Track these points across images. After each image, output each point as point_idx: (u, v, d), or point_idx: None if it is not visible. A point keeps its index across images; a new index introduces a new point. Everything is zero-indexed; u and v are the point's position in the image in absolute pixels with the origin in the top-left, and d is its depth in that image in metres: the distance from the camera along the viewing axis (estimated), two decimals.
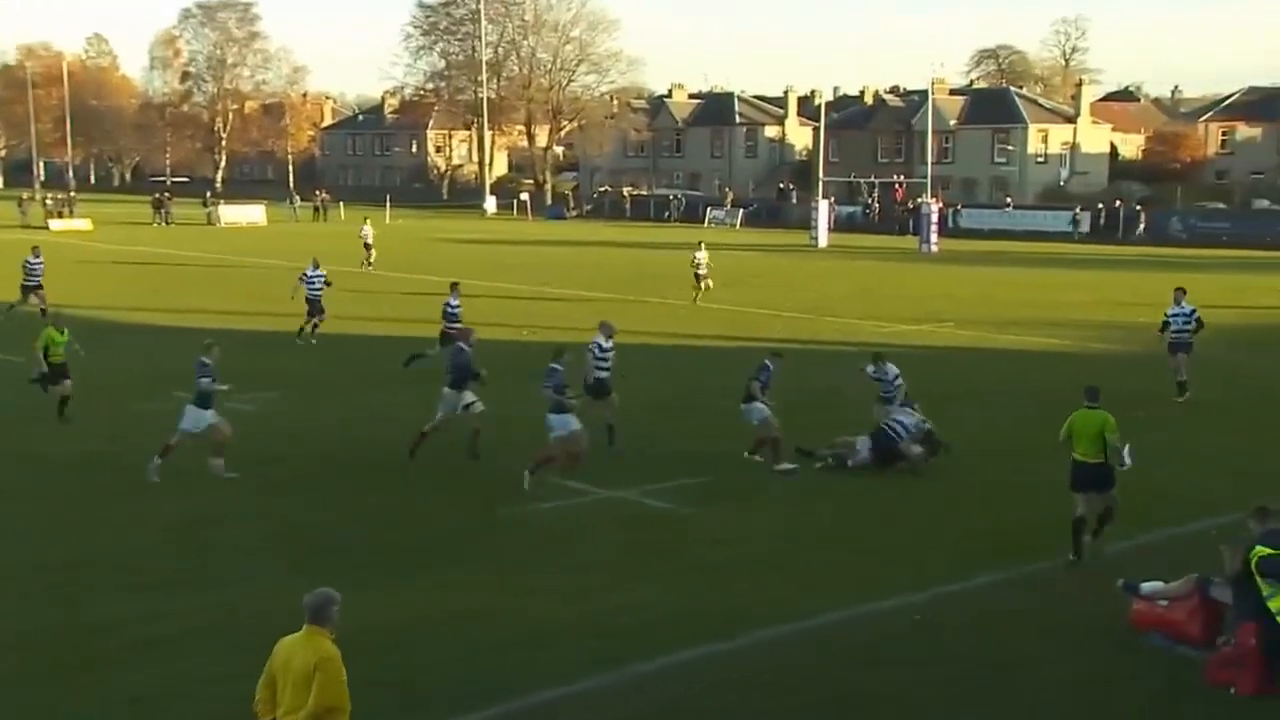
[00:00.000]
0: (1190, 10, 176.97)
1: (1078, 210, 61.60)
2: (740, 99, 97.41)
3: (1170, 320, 20.08)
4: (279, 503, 14.20)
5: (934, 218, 53.79)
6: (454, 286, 22.92)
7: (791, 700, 9.10)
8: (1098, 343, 26.29)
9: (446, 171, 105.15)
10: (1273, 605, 9.10)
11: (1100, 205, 62.77)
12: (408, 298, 33.19)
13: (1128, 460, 11.81)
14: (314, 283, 26.06)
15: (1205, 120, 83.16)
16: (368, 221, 43.82)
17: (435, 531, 13.16)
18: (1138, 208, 61.49)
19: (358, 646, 10.01)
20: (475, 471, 15.49)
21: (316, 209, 76.34)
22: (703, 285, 32.59)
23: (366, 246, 42.06)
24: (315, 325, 25.89)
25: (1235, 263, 45.39)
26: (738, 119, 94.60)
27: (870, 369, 16.66)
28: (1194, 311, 20.08)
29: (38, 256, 29.23)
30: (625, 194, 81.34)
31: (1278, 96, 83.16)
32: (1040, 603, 11.15)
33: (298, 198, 79.39)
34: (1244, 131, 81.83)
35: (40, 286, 28.98)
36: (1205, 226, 58.52)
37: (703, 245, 33.66)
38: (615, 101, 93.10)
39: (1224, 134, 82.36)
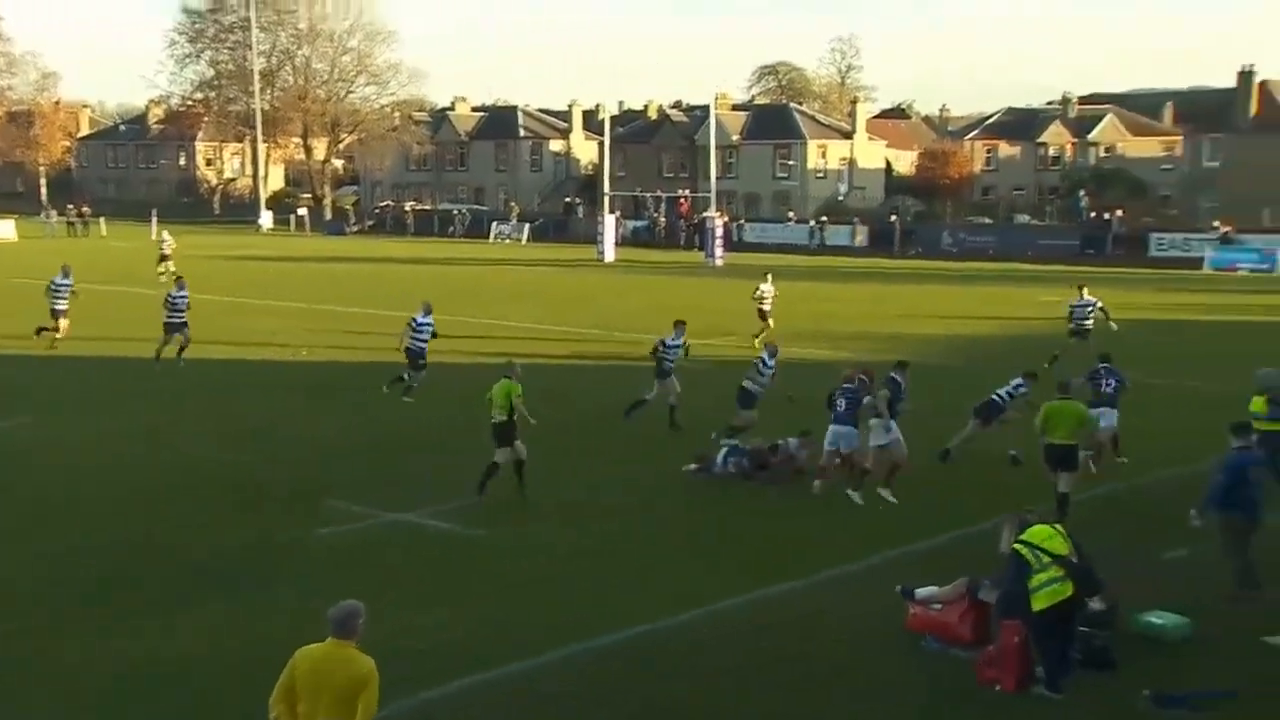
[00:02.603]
0: (955, 34, 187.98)
1: (813, 223, 64.85)
2: (524, 112, 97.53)
3: (1074, 310, 22.58)
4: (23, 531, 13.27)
5: (719, 232, 55.11)
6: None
7: (591, 716, 9.09)
8: (878, 354, 27.39)
9: (218, 185, 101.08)
10: (1033, 582, 9.56)
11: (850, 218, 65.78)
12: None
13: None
14: (60, 291, 25.94)
15: (971, 138, 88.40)
16: (165, 231, 43.97)
17: (212, 559, 12.56)
18: (892, 218, 64.76)
19: (135, 681, 9.45)
20: (257, 497, 14.90)
21: (71, 224, 72.15)
22: (768, 322, 28.73)
23: (163, 257, 42.95)
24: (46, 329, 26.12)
25: (999, 275, 48.25)
26: (522, 133, 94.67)
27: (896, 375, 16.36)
28: (1096, 302, 22.67)
29: None
30: (408, 209, 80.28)
31: (1034, 117, 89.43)
32: (824, 610, 11.52)
33: (53, 212, 74.83)
34: (1005, 150, 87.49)
35: None
36: (973, 240, 62.05)
37: (769, 276, 29.81)
38: (396, 114, 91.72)
39: (988, 152, 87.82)
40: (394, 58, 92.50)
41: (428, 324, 21.66)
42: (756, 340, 27.28)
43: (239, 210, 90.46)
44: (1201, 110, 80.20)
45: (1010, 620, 9.71)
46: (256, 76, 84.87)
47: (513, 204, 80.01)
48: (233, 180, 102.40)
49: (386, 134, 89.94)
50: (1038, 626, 9.59)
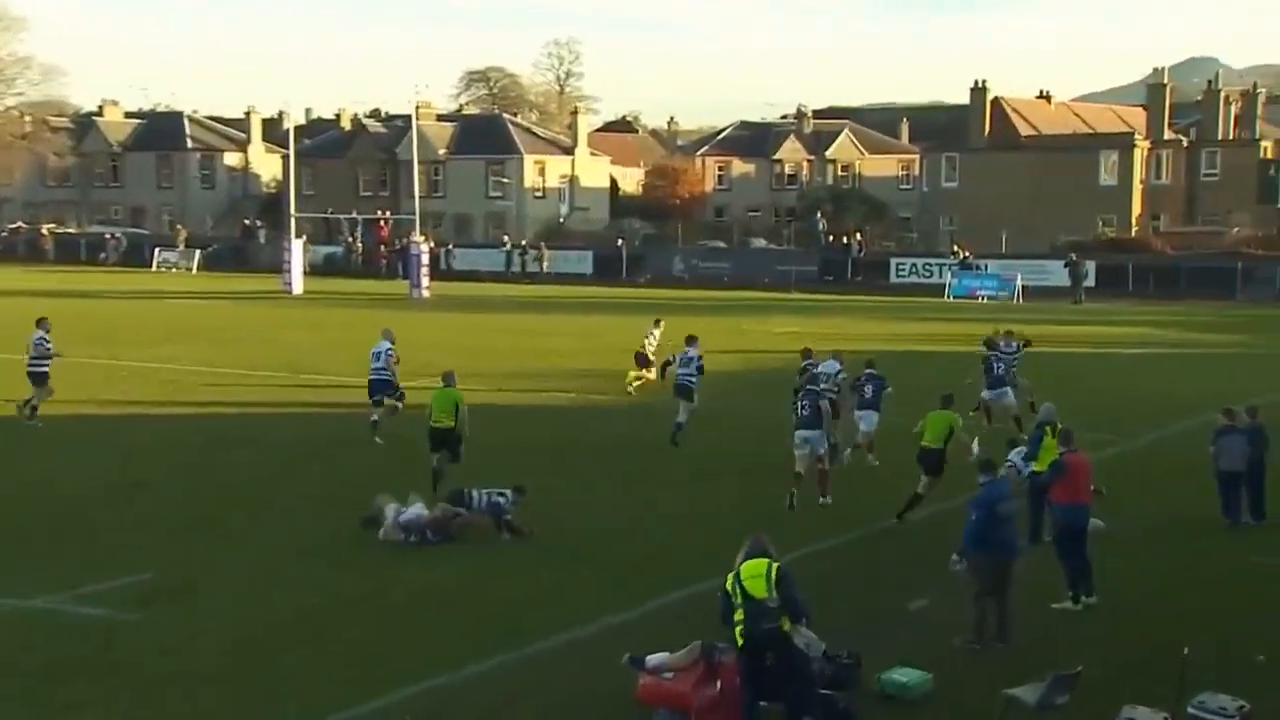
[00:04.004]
0: (680, 41, 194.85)
1: (509, 246, 66.08)
2: (192, 120, 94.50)
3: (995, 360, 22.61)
4: None
5: (424, 259, 54.82)
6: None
7: None
8: (599, 394, 27.86)
9: None
10: (734, 617, 10.20)
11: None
12: None
13: (976, 451, 16.08)
14: None
15: (702, 154, 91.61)
16: None
17: None
18: (619, 243, 66.39)
19: None
20: None
21: None
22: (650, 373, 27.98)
23: None
24: None
25: (735, 304, 50.13)
26: (190, 143, 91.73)
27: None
28: (1022, 346, 23.34)
29: None
30: (46, 232, 76.00)
31: (767, 132, 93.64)
32: (547, 682, 11.56)
33: None
34: (739, 167, 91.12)
35: None
36: (707, 266, 64.17)
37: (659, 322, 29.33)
38: (27, 119, 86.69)
39: (720, 169, 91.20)
40: (23, 50, 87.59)
41: (43, 341, 23.59)
42: (630, 388, 27.49)
43: None
44: (937, 128, 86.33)
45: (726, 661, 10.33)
46: None
47: (180, 227, 77.09)
48: None
49: (14, 142, 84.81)
50: (741, 667, 10.26)
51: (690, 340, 22.66)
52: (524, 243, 67.21)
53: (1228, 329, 41.27)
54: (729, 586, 10.30)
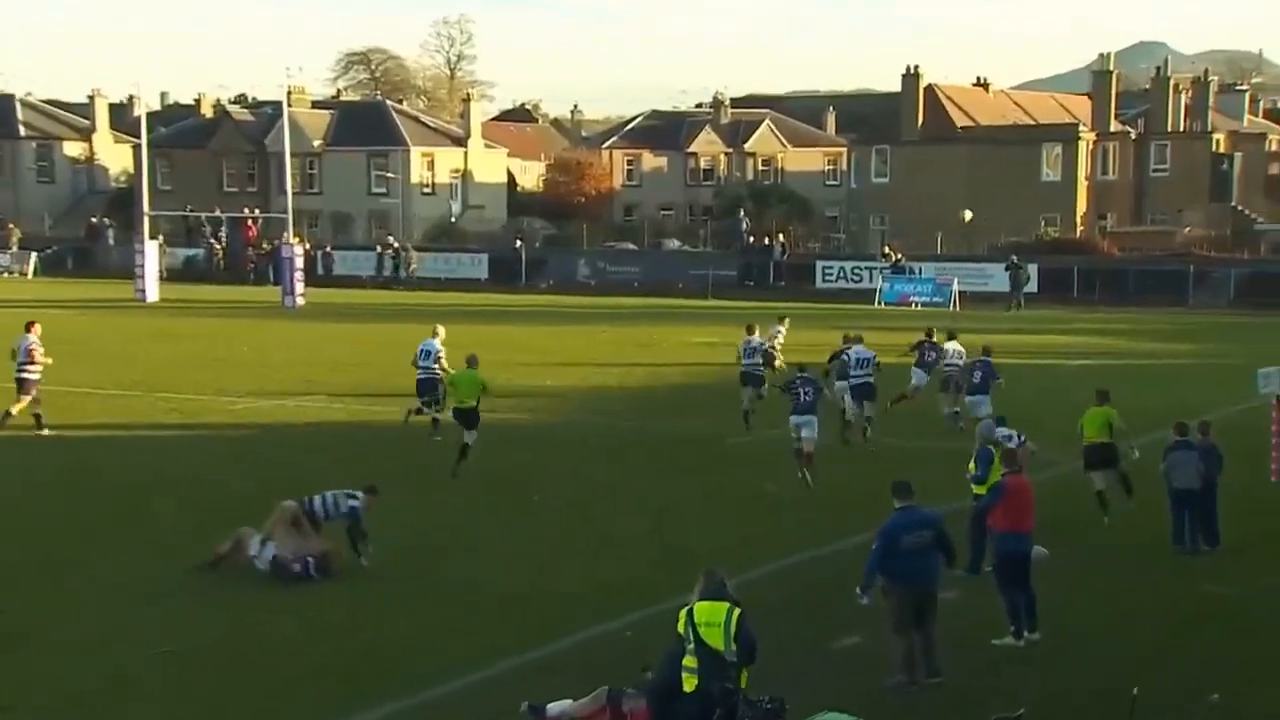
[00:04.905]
0: (585, 21, 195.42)
1: (379, 248, 66.03)
2: (25, 104, 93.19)
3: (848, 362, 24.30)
4: None
5: (298, 262, 54.34)
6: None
7: None
8: (511, 411, 27.83)
9: None
10: (684, 662, 10.18)
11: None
12: None
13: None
14: None
15: (609, 147, 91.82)
16: None
17: None
18: (518, 244, 66.27)
19: None
20: None
21: None
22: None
23: None
24: None
25: (647, 312, 50.29)
26: (22, 131, 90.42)
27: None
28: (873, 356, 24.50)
29: None
30: None
31: (681, 122, 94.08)
32: None
33: None
34: (650, 161, 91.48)
35: None
36: (616, 271, 64.39)
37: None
38: None
39: (629, 163, 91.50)
40: None
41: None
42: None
43: None
44: (866, 118, 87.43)
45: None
46: None
47: (12, 226, 75.52)
48: None
49: None
50: (653, 714, 10.25)
51: (749, 328, 26.25)
52: (394, 243, 66.78)
53: (1179, 337, 42.29)
54: (680, 628, 10.20)
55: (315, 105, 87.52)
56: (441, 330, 25.34)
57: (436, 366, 24.38)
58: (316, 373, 33.30)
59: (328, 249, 67.66)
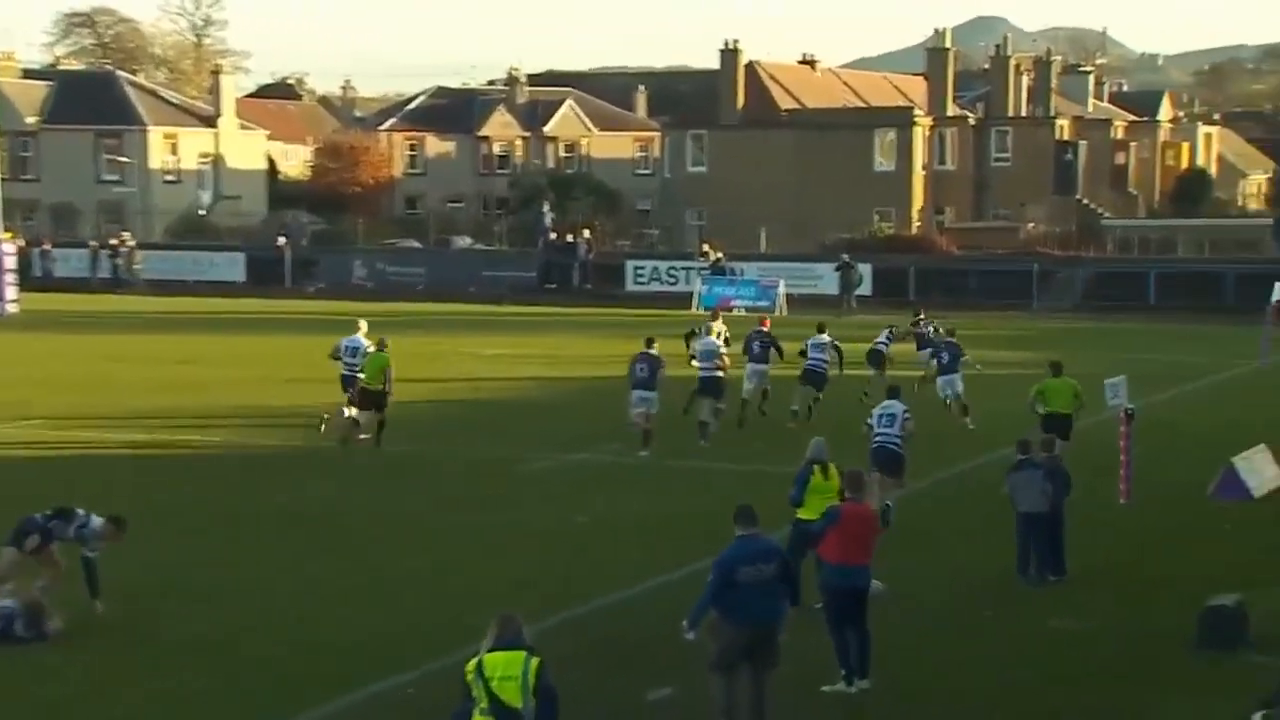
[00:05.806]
0: None
1: (97, 247, 65.05)
2: None
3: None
4: None
5: (10, 262, 52.98)
6: None
7: None
8: (264, 438, 27.46)
9: None
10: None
11: None
12: None
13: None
14: None
15: (388, 129, 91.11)
16: None
17: None
18: (280, 242, 65.47)
19: None
20: None
21: None
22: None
23: None
24: None
25: (433, 320, 50.00)
26: None
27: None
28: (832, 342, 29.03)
29: None
30: None
31: (471, 102, 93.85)
32: None
33: None
34: (436, 145, 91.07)
35: None
36: (396, 272, 64.06)
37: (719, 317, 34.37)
38: None
39: (412, 148, 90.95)
40: None
41: None
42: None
43: None
44: (681, 99, 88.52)
45: None
46: None
47: None
48: None
49: None
50: None
51: (702, 330, 31.84)
52: (111, 240, 65.34)
53: (1024, 344, 43.52)
54: (469, 679, 10.14)
55: (28, 75, 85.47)
56: (364, 324, 27.67)
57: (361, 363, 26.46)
58: (42, 393, 32.41)
59: (46, 247, 65.70)
